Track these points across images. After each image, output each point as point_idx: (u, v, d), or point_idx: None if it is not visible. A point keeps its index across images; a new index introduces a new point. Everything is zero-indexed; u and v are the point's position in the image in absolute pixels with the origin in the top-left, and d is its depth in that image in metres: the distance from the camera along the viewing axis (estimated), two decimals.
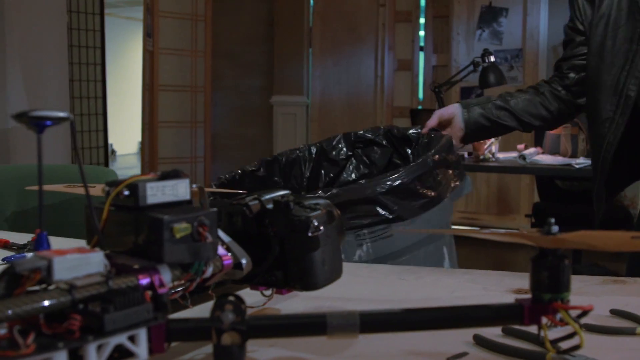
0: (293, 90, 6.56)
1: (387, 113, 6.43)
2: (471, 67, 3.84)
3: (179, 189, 0.80)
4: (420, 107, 6.35)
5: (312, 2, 6.54)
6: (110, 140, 12.64)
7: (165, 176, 0.79)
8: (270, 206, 0.90)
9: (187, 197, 0.81)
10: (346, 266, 1.48)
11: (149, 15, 5.27)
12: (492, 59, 3.83)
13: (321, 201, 0.94)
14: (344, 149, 2.26)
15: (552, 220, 0.75)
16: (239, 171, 2.35)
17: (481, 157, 3.73)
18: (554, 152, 3.91)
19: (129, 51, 12.73)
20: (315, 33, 6.55)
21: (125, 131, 12.47)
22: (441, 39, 6.35)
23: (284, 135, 6.58)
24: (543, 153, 3.94)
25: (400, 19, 6.40)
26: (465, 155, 3.84)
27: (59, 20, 4.32)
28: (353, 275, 1.39)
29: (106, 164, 5.89)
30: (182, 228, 0.73)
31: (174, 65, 5.67)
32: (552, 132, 3.92)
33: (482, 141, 3.72)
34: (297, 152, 2.33)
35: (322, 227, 0.87)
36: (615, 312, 1.10)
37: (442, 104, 3.75)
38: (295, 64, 6.54)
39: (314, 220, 0.87)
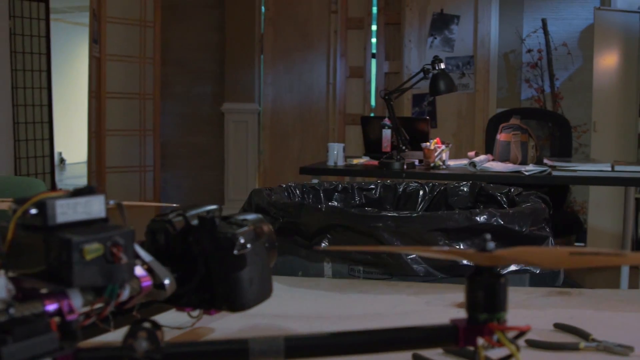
0: (244, 97, 6.50)
1: (340, 120, 6.41)
2: (421, 75, 3.83)
3: (93, 207, 0.74)
4: (372, 115, 6.34)
5: (263, 8, 6.49)
6: (59, 149, 12.44)
7: (77, 193, 0.74)
8: (195, 222, 0.85)
9: (102, 214, 0.75)
10: (286, 280, 1.44)
11: (95, 21, 5.15)
12: (442, 66, 3.82)
13: (250, 217, 0.90)
14: (466, 198, 2.22)
15: (488, 236, 0.72)
16: (345, 185, 2.30)
17: (432, 164, 3.71)
18: (504, 159, 3.91)
19: (78, 57, 12.53)
20: (266, 39, 6.51)
21: (74, 139, 12.26)
22: (393, 46, 6.35)
23: (235, 143, 6.52)
24: (493, 160, 3.94)
25: (352, 26, 6.39)
26: (416, 162, 3.83)
27: (0, 25, 4.21)
28: (294, 290, 1.35)
29: (52, 174, 5.76)
30: (93, 249, 0.68)
31: (121, 72, 5.56)
32: (502, 139, 3.93)
33: (432, 148, 3.71)
34: (418, 185, 2.30)
35: (249, 245, 0.83)
36: (559, 326, 1.08)
37: (392, 112, 3.73)
38: (246, 71, 6.49)
39: (240, 238, 0.82)
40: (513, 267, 1.66)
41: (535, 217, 1.75)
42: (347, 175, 3.92)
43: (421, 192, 2.28)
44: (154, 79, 5.79)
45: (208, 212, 0.86)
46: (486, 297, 0.70)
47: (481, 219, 1.65)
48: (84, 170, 12.70)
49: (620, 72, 5.39)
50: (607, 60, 5.34)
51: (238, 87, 6.48)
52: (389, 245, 1.66)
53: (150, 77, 5.76)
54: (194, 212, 0.86)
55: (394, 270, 1.68)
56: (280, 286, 1.39)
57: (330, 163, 3.86)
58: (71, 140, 12.20)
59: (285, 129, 6.56)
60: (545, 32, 5.75)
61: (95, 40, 5.19)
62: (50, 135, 5.70)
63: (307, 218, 1.84)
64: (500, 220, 1.64)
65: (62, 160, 13.01)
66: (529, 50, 5.90)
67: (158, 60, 5.82)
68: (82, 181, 5.86)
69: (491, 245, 0.71)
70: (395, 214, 1.76)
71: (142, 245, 0.86)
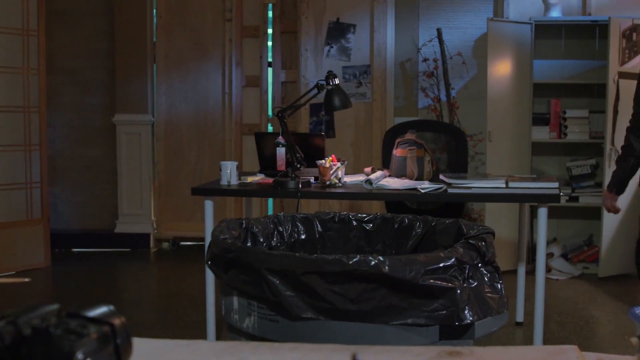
0: (137, 108, 6.28)
1: (237, 130, 6.29)
2: (315, 91, 3.75)
3: None
4: (270, 125, 6.25)
5: (155, 16, 6.30)
6: None
7: None
8: (28, 332, 0.72)
9: None
10: (166, 345, 1.31)
11: None
12: (337, 81, 3.75)
13: (98, 313, 0.78)
14: (449, 236, 2.12)
15: (359, 356, 0.63)
16: (342, 215, 2.17)
17: (327, 182, 3.64)
18: (401, 174, 3.88)
19: None
20: (159, 48, 6.31)
21: None
22: (289, 54, 6.27)
23: (128, 155, 6.29)
24: (390, 176, 3.90)
25: (248, 34, 6.27)
26: (312, 180, 3.75)
27: None
28: None
29: None
30: None
31: (2, 85, 5.24)
32: (398, 154, 3.90)
33: (328, 166, 3.64)
34: (414, 219, 2.19)
35: (89, 359, 0.71)
36: None
37: (286, 129, 3.64)
38: (138, 81, 6.27)
39: (79, 353, 0.70)
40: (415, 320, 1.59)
41: (438, 264, 1.67)
42: (241, 195, 3.80)
43: (415, 227, 2.23)
44: (39, 90, 5.49)
45: (44, 318, 0.74)
46: None
47: (355, 264, 1.57)
48: None
49: (513, 82, 5.47)
50: (501, 70, 5.40)
51: (130, 97, 6.26)
52: (271, 281, 1.60)
53: (35, 89, 5.46)
54: (26, 318, 0.74)
55: (278, 310, 1.62)
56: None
57: (224, 182, 3.73)
58: None
59: (181, 140, 6.39)
60: (440, 41, 5.78)
61: None
62: None
63: (222, 254, 1.78)
64: (381, 268, 1.56)
65: None
66: (425, 59, 5.92)
67: (43, 71, 5.52)
68: None
69: None
70: (278, 254, 1.68)
71: None
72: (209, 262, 1.88)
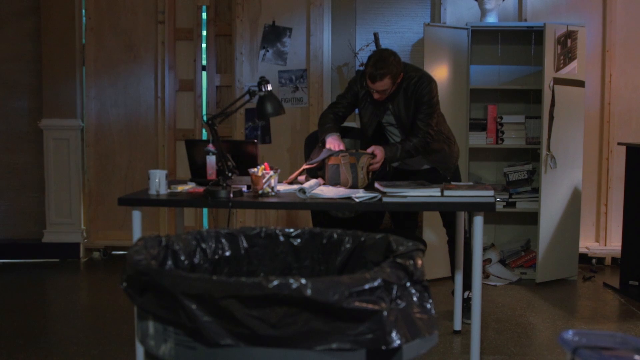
0: (65, 112, 6.05)
1: (170, 136, 6.12)
2: (247, 97, 3.63)
3: None
4: (204, 130, 6.10)
5: (84, 17, 6.09)
6: None
7: None
8: None
9: None
10: None
11: None
12: (269, 87, 3.64)
13: None
14: (379, 252, 2.01)
15: None
16: (269, 231, 2.05)
17: (260, 191, 3.52)
18: (335, 182, 3.79)
19: None
20: (89, 51, 6.11)
21: None
22: (224, 58, 6.14)
23: (56, 162, 6.07)
24: (325, 184, 3.81)
25: (181, 37, 6.12)
26: (244, 189, 3.63)
27: None
28: None
29: None
30: None
31: None
32: (330, 162, 3.80)
33: (260, 175, 3.52)
34: (343, 234, 2.08)
35: None
36: None
37: (216, 137, 3.52)
38: (67, 84, 6.05)
39: None
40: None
41: (363, 286, 1.57)
42: (170, 205, 3.66)
43: (344, 242, 2.13)
44: None
45: None
46: None
47: (275, 288, 1.47)
48: None
49: (450, 87, 5.44)
50: (437, 76, 5.34)
51: (58, 101, 6.05)
52: (187, 306, 1.50)
53: None
54: None
55: (195, 336, 1.52)
56: None
57: (152, 192, 3.58)
58: None
59: (111, 146, 6.20)
60: (377, 46, 5.71)
61: None
62: None
63: (136, 276, 1.68)
64: (303, 291, 1.46)
65: None
66: (362, 64, 5.85)
67: None
68: None
69: None
70: (195, 277, 1.57)
71: None
72: (124, 284, 1.75)
